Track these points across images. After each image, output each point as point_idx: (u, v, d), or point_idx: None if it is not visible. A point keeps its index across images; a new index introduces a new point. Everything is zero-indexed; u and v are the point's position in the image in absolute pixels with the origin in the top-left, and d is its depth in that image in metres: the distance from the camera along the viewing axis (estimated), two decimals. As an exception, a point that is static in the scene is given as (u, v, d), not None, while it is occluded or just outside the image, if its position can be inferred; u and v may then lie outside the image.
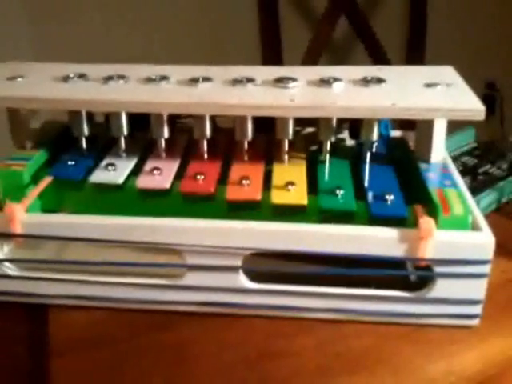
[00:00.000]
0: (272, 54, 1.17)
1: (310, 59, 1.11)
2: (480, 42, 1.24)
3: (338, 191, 0.38)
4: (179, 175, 0.41)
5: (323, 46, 1.14)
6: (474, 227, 0.35)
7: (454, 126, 0.45)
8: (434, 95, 0.39)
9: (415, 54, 1.22)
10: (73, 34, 1.08)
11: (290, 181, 0.39)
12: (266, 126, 0.41)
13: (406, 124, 0.48)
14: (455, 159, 0.54)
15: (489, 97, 1.31)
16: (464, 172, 0.51)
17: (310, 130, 0.47)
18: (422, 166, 0.41)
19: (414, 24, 1.23)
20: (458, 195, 0.37)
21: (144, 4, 1.12)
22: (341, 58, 1.28)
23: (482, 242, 0.34)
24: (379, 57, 1.14)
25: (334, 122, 0.40)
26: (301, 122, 0.43)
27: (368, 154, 0.42)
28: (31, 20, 1.08)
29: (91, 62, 0.46)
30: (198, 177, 0.40)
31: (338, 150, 0.43)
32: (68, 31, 1.08)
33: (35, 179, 0.42)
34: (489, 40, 1.24)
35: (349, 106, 0.37)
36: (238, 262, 0.36)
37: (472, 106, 0.37)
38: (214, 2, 1.15)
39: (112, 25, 1.10)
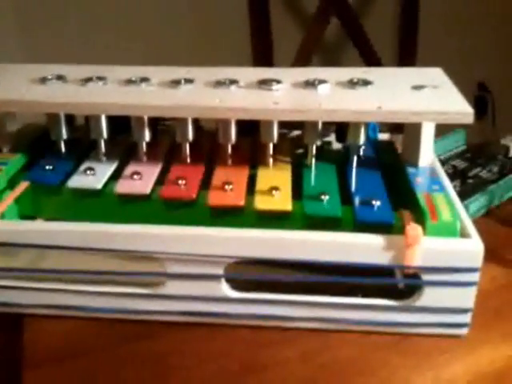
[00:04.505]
0: (263, 55, 1.16)
1: (301, 60, 1.10)
2: (472, 44, 1.24)
3: (323, 196, 0.37)
4: (160, 180, 0.40)
5: (314, 47, 1.13)
6: (463, 234, 0.34)
7: (444, 128, 0.44)
8: (422, 98, 0.38)
9: (407, 55, 1.21)
10: (62, 38, 1.07)
11: (275, 186, 0.38)
12: (251, 128, 0.40)
13: (394, 127, 0.47)
14: (445, 162, 0.53)
15: (481, 98, 1.31)
16: (454, 175, 0.51)
17: (295, 132, 0.46)
18: (410, 170, 0.40)
19: (406, 25, 1.22)
20: (447, 201, 0.36)
21: (133, 5, 1.11)
22: (332, 59, 1.27)
23: (471, 249, 0.33)
24: (371, 58, 1.14)
25: (320, 125, 0.39)
26: (286, 125, 0.42)
27: (355, 158, 0.41)
28: (20, 26, 1.06)
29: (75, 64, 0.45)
30: (180, 182, 0.39)
31: (323, 153, 0.42)
32: (57, 35, 1.07)
33: (11, 184, 0.41)
34: (481, 41, 1.24)
35: (334, 108, 0.36)
36: (220, 271, 0.35)
37: (460, 108, 0.36)
38: (204, 2, 1.14)
39: (99, 27, 1.09)
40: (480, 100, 1.31)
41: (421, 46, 1.20)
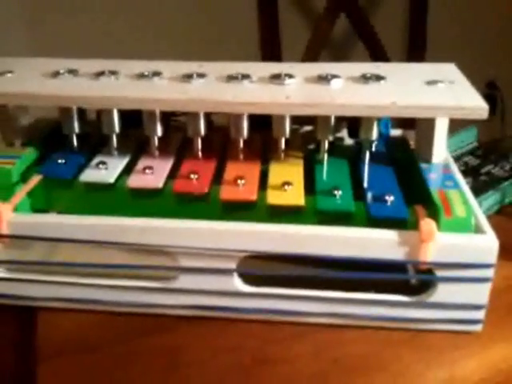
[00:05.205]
0: (271, 53, 1.15)
1: (309, 57, 1.09)
2: (481, 41, 1.23)
3: (336, 192, 0.37)
4: (172, 174, 0.40)
5: (322, 44, 1.12)
6: (477, 230, 0.34)
7: (454, 125, 0.44)
8: (436, 93, 0.37)
9: (415, 53, 1.21)
10: (69, 32, 1.07)
11: (287, 181, 0.38)
12: (263, 123, 0.40)
13: (406, 122, 0.46)
14: (457, 159, 0.53)
15: (489, 96, 1.30)
16: (466, 172, 0.50)
17: (307, 128, 0.46)
18: (423, 166, 0.40)
19: (415, 22, 1.21)
20: (460, 196, 0.36)
21: (144, 1, 1.11)
22: (340, 56, 1.27)
23: (486, 245, 0.33)
24: (379, 55, 1.13)
25: (332, 120, 0.39)
26: (298, 120, 0.42)
27: (367, 154, 0.40)
28: (27, 17, 1.06)
29: (87, 58, 0.45)
30: (192, 176, 0.39)
31: (336, 149, 0.42)
32: (64, 28, 1.07)
33: (24, 178, 0.41)
34: (489, 39, 1.23)
35: (347, 103, 0.36)
36: (233, 265, 0.35)
37: (475, 104, 0.36)
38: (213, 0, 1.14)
39: (110, 22, 1.09)
40: (489, 98, 1.30)
41: (429, 43, 1.19)
